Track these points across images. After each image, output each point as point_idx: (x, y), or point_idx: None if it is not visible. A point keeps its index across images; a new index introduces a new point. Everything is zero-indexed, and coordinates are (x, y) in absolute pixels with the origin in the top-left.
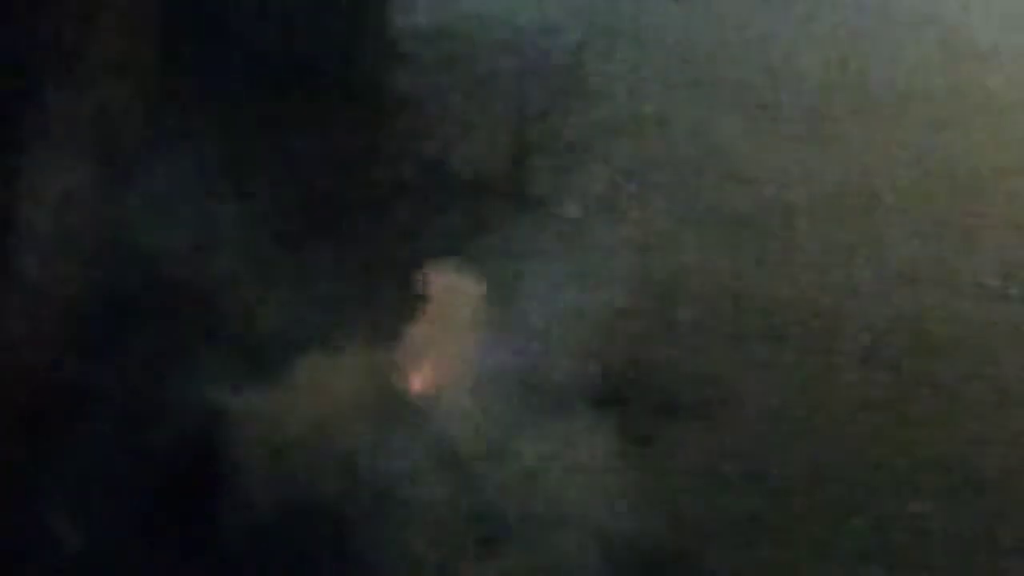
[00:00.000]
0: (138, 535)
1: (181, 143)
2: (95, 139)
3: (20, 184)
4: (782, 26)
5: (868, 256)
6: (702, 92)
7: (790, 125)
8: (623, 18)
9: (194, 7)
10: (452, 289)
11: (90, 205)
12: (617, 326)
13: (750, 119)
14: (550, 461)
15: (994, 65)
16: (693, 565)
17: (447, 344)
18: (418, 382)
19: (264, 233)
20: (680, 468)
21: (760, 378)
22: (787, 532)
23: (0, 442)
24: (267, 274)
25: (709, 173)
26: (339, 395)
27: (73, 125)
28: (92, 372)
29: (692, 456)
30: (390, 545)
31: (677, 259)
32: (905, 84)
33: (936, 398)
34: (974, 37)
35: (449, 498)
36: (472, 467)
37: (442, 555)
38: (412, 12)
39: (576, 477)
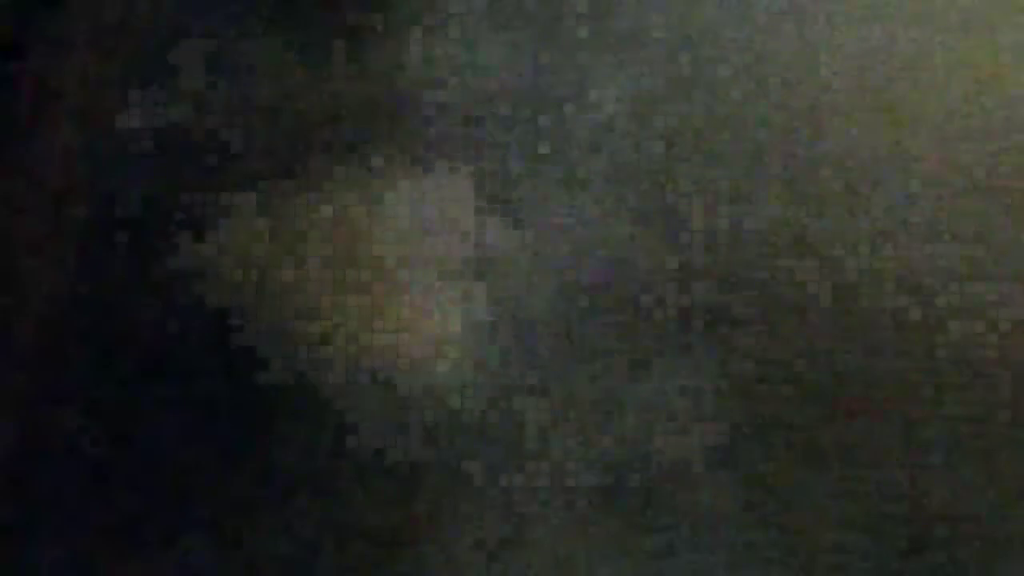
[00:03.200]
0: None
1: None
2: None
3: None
4: None
5: (890, 153)
6: None
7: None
8: None
9: None
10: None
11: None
12: (643, 231)
13: (754, 27)
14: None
15: None
16: (732, 467)
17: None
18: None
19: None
20: (719, 374)
21: (766, 285)
22: (821, 435)
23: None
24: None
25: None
26: None
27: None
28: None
29: (731, 362)
30: None
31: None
32: None
33: (967, 317)
34: None
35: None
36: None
37: None
38: None
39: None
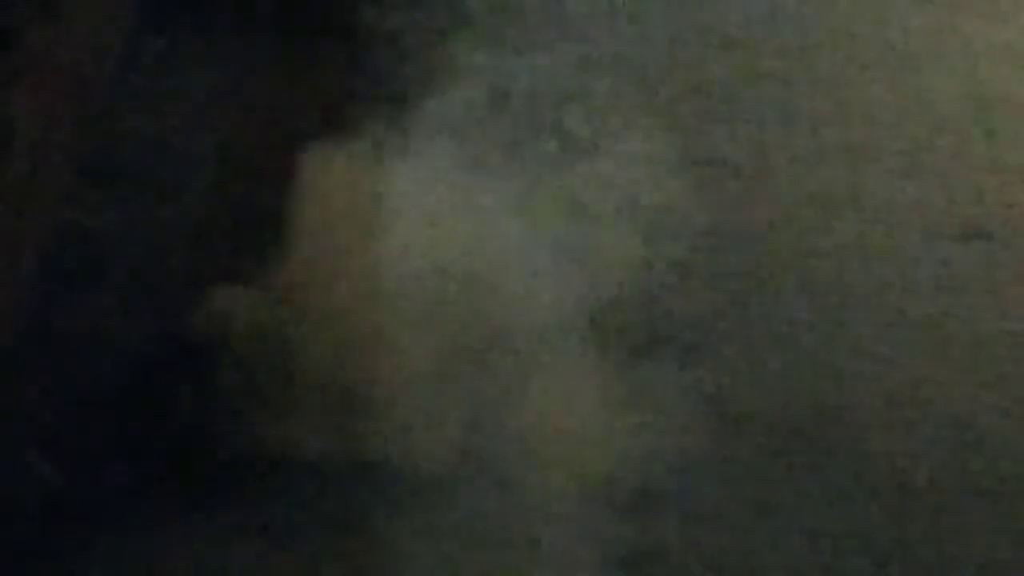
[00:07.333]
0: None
1: (163, 78)
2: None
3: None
4: None
5: (845, 198)
6: (682, 31)
7: (770, 62)
8: None
9: None
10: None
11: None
12: (598, 263)
13: (732, 58)
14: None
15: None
16: (675, 505)
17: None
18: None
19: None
20: (662, 407)
21: (741, 316)
22: (769, 471)
23: None
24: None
25: (690, 113)
26: None
27: (55, 63)
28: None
29: (673, 395)
30: None
31: (658, 196)
32: (881, 22)
33: (920, 340)
34: None
35: None
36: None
37: None
38: None
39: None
